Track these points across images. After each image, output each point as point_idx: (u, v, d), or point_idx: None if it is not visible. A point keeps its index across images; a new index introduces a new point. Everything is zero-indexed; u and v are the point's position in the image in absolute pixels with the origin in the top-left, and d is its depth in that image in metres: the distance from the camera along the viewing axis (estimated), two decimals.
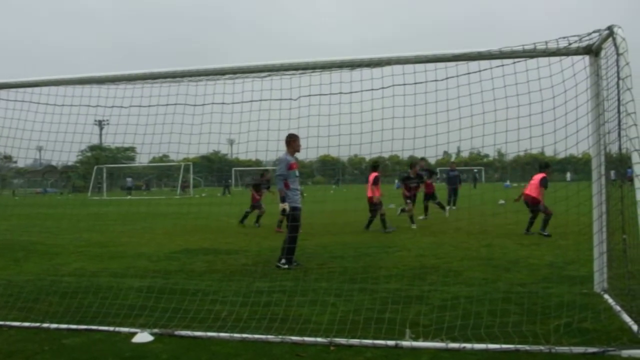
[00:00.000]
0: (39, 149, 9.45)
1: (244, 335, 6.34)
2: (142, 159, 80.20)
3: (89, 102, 8.62)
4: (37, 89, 8.66)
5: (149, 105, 8.46)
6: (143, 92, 8.60)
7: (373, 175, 18.03)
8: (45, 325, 6.95)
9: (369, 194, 17.87)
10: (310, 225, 15.14)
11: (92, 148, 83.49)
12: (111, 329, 6.73)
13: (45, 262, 12.36)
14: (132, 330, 6.61)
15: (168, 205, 33.55)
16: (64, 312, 7.46)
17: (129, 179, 68.36)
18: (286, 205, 10.67)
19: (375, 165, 18.86)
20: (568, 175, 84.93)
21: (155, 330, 6.57)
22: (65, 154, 8.97)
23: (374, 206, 17.73)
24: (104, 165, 68.86)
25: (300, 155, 11.14)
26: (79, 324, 6.92)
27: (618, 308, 6.96)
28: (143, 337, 6.36)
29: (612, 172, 7.87)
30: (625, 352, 5.52)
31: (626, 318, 6.54)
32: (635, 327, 6.13)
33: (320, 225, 18.31)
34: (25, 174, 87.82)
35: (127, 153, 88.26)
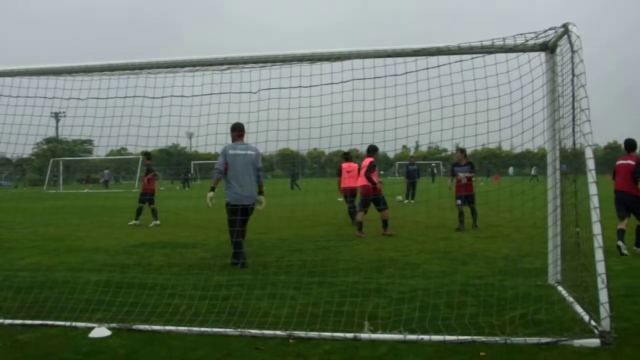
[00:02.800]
0: None
1: (203, 329, 6.32)
2: (100, 152, 78.89)
3: (45, 94, 8.45)
4: None
5: (107, 98, 8.36)
6: (101, 84, 8.51)
7: (368, 160, 14.97)
8: None
9: (361, 182, 15.15)
10: (269, 218, 15.06)
11: (48, 140, 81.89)
12: (68, 324, 6.63)
13: None
14: (89, 325, 6.53)
15: (126, 198, 33.08)
16: (18, 308, 7.31)
17: (106, 172, 66.68)
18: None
19: (369, 151, 15.18)
20: (510, 170, 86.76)
21: (113, 325, 6.50)
22: (20, 147, 8.80)
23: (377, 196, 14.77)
24: (60, 158, 67.50)
25: (260, 149, 10.79)
26: (34, 319, 6.79)
27: (571, 299, 7.14)
28: (100, 331, 6.29)
29: (564, 166, 8.03)
30: (577, 342, 5.67)
31: (578, 309, 6.71)
32: (587, 318, 6.30)
33: (279, 219, 18.26)
34: None
35: (84, 146, 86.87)
